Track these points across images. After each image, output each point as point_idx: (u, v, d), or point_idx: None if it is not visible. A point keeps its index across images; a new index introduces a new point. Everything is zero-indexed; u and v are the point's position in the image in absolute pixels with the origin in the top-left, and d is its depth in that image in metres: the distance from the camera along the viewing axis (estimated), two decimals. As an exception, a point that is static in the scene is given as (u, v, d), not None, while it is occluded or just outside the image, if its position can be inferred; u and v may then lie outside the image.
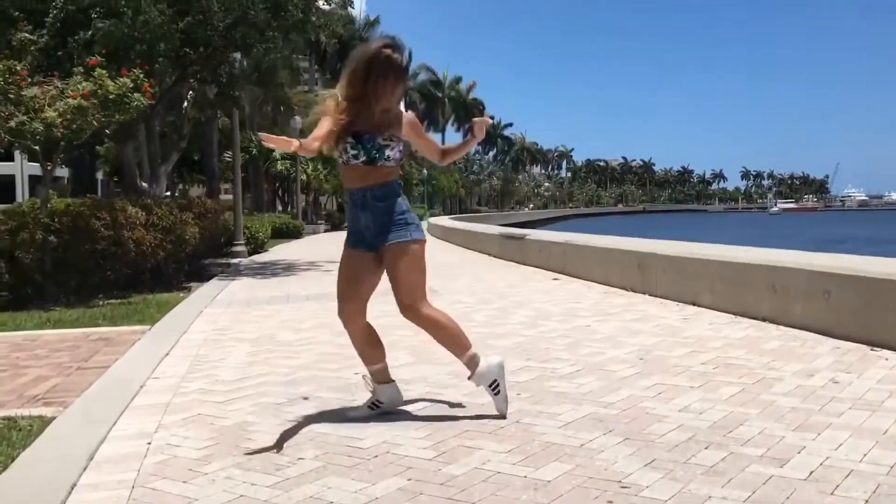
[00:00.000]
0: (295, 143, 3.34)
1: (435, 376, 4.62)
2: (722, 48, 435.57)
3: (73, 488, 2.92)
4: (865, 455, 2.99)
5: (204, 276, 12.54)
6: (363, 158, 3.58)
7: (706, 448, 3.14)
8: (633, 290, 8.50)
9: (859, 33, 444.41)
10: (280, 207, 50.40)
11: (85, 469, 3.14)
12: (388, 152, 3.60)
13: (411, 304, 3.68)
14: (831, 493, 2.62)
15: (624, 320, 6.57)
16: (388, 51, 3.55)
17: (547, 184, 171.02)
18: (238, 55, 13.22)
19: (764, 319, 6.19)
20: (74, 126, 8.77)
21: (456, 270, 12.53)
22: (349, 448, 3.29)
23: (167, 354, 5.69)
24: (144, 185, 13.68)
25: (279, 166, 37.73)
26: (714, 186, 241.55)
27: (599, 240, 10.17)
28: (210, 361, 5.38)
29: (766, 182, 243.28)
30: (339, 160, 3.67)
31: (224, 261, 15.83)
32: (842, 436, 3.24)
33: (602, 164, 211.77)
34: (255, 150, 36.53)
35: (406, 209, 3.68)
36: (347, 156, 3.60)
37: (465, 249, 18.17)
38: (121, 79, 8.77)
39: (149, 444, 3.46)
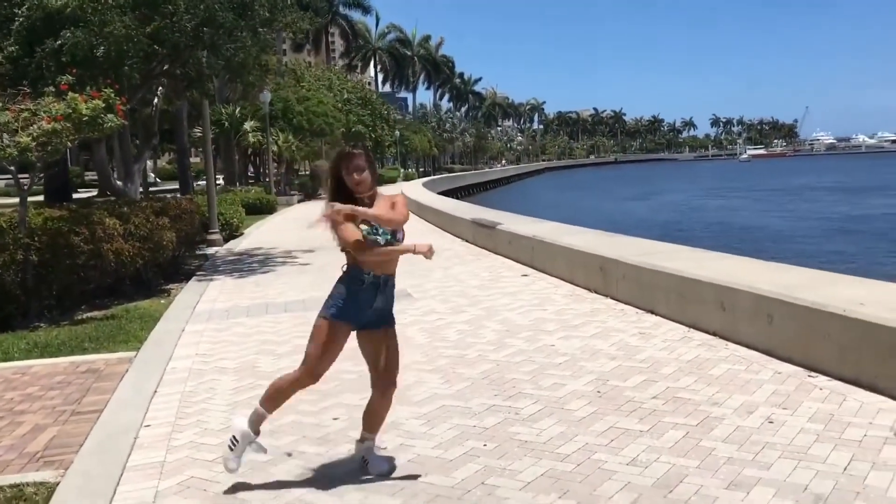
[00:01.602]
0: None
1: (408, 422, 5.00)
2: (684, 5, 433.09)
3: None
4: (784, 518, 3.42)
5: (182, 275, 12.79)
6: (388, 237, 3.96)
7: (647, 513, 3.55)
8: (596, 292, 8.91)
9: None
10: (252, 174, 50.34)
11: (94, 553, 3.49)
12: (399, 236, 4.01)
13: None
14: (749, 568, 3.04)
15: (585, 336, 6.98)
16: (348, 149, 4.04)
17: (519, 138, 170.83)
18: (205, 52, 13.27)
19: (714, 334, 6.63)
20: (49, 147, 8.93)
21: (430, 263, 12.84)
22: (332, 521, 3.67)
23: (155, 392, 6.03)
24: (119, 183, 13.81)
25: (251, 138, 37.56)
26: (684, 134, 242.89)
27: (566, 238, 10.53)
28: (197, 402, 5.72)
29: (735, 129, 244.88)
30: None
31: (200, 252, 16.03)
32: (767, 494, 3.67)
33: (573, 115, 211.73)
34: (226, 123, 36.36)
35: None
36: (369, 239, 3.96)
37: (440, 232, 18.48)
38: (93, 101, 8.90)
39: (149, 517, 3.82)
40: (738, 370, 5.68)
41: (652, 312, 7.68)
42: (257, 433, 4.16)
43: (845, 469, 3.90)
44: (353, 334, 4.27)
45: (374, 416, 4.27)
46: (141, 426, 5.23)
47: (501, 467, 4.18)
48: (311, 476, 4.22)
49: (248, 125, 37.61)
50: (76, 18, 11.14)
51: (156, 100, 15.36)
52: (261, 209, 29.15)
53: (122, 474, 4.40)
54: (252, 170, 51.88)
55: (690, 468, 4.02)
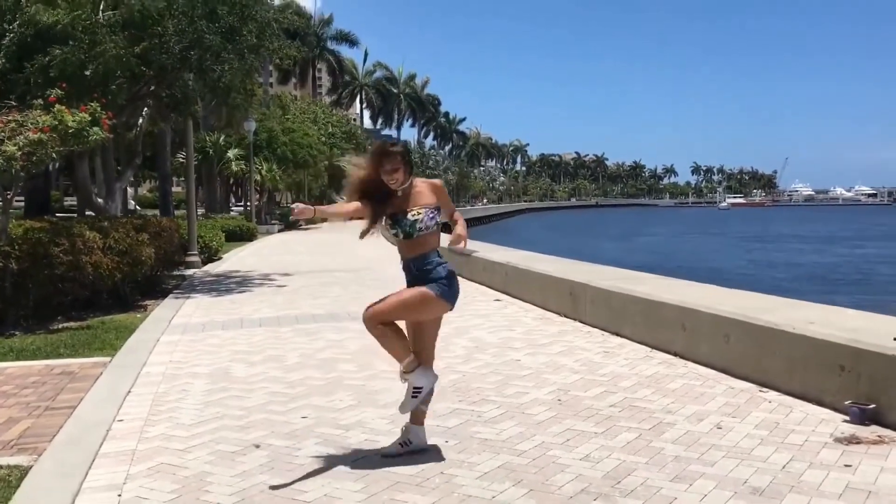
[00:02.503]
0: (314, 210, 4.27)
1: (373, 421, 5.16)
2: (675, 47, 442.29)
3: (56, 544, 3.42)
4: (722, 506, 3.63)
5: (159, 292, 12.91)
6: (402, 236, 4.32)
7: (595, 500, 3.75)
8: (566, 316, 9.14)
9: (805, 33, 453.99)
10: (233, 202, 50.43)
11: (65, 524, 3.63)
12: (419, 226, 4.29)
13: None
14: (684, 545, 3.25)
15: (551, 353, 7.20)
16: (386, 147, 4.32)
17: (502, 178, 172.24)
18: (192, 75, 13.54)
19: (675, 354, 6.87)
20: (34, 158, 9.11)
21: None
22: (294, 501, 3.83)
23: (129, 392, 6.17)
24: (100, 201, 13.95)
25: (234, 167, 37.79)
26: (665, 181, 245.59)
27: (539, 265, 10.80)
28: (169, 402, 5.86)
29: (716, 177, 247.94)
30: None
31: (178, 272, 16.14)
32: (708, 486, 3.88)
33: (556, 158, 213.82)
34: (210, 151, 36.59)
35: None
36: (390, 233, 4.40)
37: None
38: (79, 114, 9.11)
39: (119, 496, 3.97)
40: (694, 385, 5.92)
41: (618, 334, 7.92)
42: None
43: (784, 467, 4.13)
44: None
45: None
46: (114, 420, 5.36)
47: (461, 460, 4.36)
48: (276, 465, 4.37)
49: (231, 153, 37.86)
50: (67, 36, 11.39)
51: (140, 120, 15.57)
52: (241, 236, 29.31)
53: (93, 460, 4.53)
54: (234, 200, 52.05)
55: (639, 464, 4.23)
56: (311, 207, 4.30)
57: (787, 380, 5.56)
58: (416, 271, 4.38)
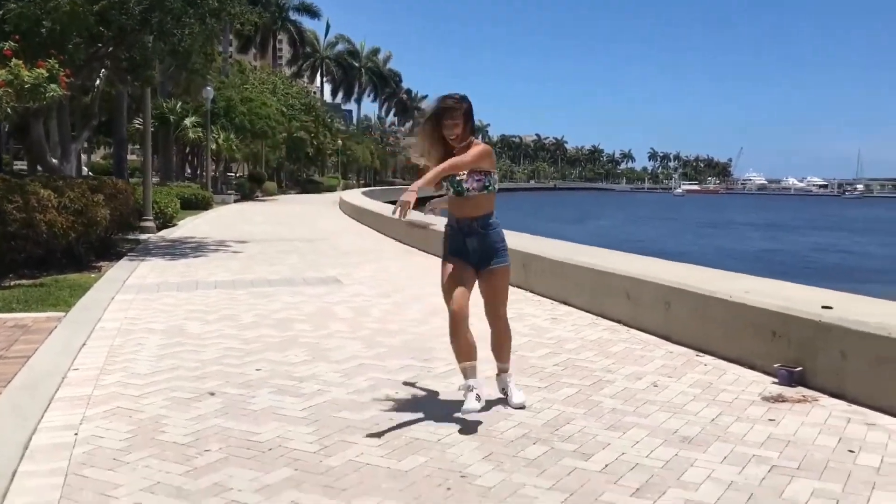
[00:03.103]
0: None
1: (327, 374, 5.32)
2: (636, 35, 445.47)
3: (13, 476, 3.53)
4: (652, 451, 3.88)
5: (113, 255, 12.85)
6: (452, 192, 4.41)
7: (534, 444, 3.98)
8: (518, 287, 9.35)
9: (765, 27, 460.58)
10: (189, 173, 49.75)
11: (22, 458, 3.74)
12: (465, 185, 4.36)
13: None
14: (615, 483, 3.48)
15: (502, 319, 7.40)
16: (447, 102, 4.37)
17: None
18: (152, 37, 13.40)
19: (620, 322, 7.14)
20: (-11, 113, 9.03)
21: (363, 258, 13.22)
22: (248, 442, 3.99)
23: (84, 345, 6.24)
24: (55, 161, 13.78)
25: (191, 134, 37.32)
26: (623, 166, 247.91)
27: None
28: (125, 353, 5.95)
29: (672, 163, 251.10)
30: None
31: (133, 237, 16.04)
32: (641, 434, 4.13)
33: (516, 140, 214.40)
34: (169, 118, 36.05)
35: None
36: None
37: (375, 233, 18.81)
38: (36, 70, 9.03)
39: (76, 434, 4.08)
40: (635, 349, 6.18)
41: (566, 303, 8.17)
42: (472, 379, 4.44)
43: (713, 420, 4.40)
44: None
45: (495, 348, 4.70)
46: (69, 370, 5.44)
47: (410, 408, 4.56)
48: (230, 411, 4.51)
49: (188, 121, 37.37)
50: (22, -10, 11.21)
51: (98, 82, 15.36)
52: (196, 205, 29.07)
53: (49, 404, 4.62)
54: (189, 170, 51.29)
55: (578, 414, 4.47)
56: (413, 190, 4.16)
57: (723, 345, 5.86)
58: (481, 231, 4.40)
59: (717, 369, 5.54)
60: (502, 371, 4.73)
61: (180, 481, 3.47)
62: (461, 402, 4.64)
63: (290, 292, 9.12)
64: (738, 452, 3.88)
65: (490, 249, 4.46)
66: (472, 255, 4.44)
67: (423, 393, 4.90)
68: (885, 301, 5.65)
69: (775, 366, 5.23)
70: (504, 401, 4.71)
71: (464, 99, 4.39)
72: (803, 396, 4.86)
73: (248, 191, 44.32)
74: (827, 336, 4.95)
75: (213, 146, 37.82)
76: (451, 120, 4.32)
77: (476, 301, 4.57)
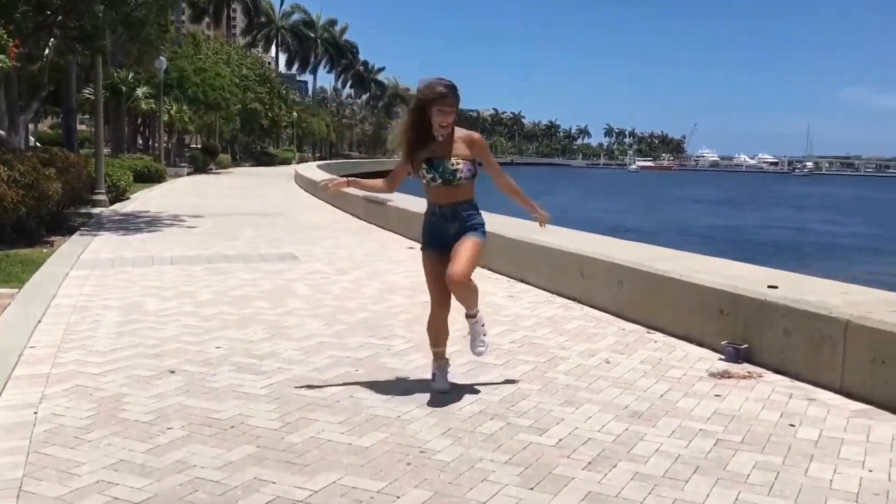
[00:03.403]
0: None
1: (287, 352, 5.38)
2: (591, 11, 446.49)
3: (-25, 454, 3.54)
4: (604, 426, 4.03)
5: (66, 229, 12.65)
6: (439, 181, 4.29)
7: (491, 419, 4.10)
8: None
9: (718, 6, 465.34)
10: (141, 144, 48.79)
11: (-18, 437, 3.74)
12: (459, 175, 4.29)
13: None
14: (568, 457, 3.62)
15: (459, 296, 7.52)
16: (441, 88, 4.22)
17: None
18: (102, 7, 13.12)
19: (574, 299, 7.30)
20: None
21: (320, 233, 13.21)
22: (210, 419, 4.04)
23: (40, 322, 6.19)
24: (2, 133, 13.46)
25: (143, 105, 36.57)
26: (579, 142, 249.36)
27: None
28: (82, 331, 5.93)
29: (627, 140, 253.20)
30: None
31: (86, 210, 15.78)
32: (593, 410, 4.28)
33: (474, 114, 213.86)
34: (121, 88, 35.25)
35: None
36: (426, 179, 4.34)
37: (332, 209, 18.75)
38: (-15, 40, 8.81)
39: (36, 413, 4.09)
40: (589, 326, 6.35)
41: (523, 281, 8.31)
42: (443, 361, 4.59)
43: (662, 396, 4.57)
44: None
45: (460, 301, 4.49)
46: (25, 347, 5.41)
47: (369, 385, 4.64)
48: (191, 389, 4.55)
49: (140, 91, 36.59)
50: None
51: (46, 51, 14.99)
52: (149, 178, 28.61)
53: (7, 382, 4.61)
54: (140, 141, 50.31)
55: (533, 391, 4.61)
56: (345, 180, 4.33)
57: (673, 322, 6.05)
58: (463, 215, 4.36)
59: (667, 346, 5.73)
60: (470, 315, 4.58)
61: (143, 459, 3.51)
62: (420, 380, 4.78)
63: (248, 269, 9.11)
64: (685, 427, 4.05)
65: (470, 229, 4.42)
66: (453, 238, 4.37)
67: (383, 370, 4.99)
68: (827, 280, 5.88)
69: (722, 343, 5.42)
70: (461, 377, 4.81)
71: (454, 85, 4.28)
72: (748, 373, 5.06)
73: (202, 163, 43.72)
74: (772, 314, 5.15)
75: (166, 118, 37.16)
76: (449, 107, 4.20)
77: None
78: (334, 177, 4.35)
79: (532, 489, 3.27)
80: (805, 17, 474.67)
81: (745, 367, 5.17)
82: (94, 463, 3.46)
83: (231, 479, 3.32)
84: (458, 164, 4.27)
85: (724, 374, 5.01)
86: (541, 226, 4.93)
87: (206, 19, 73.86)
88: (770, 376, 4.99)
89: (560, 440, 3.82)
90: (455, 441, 3.79)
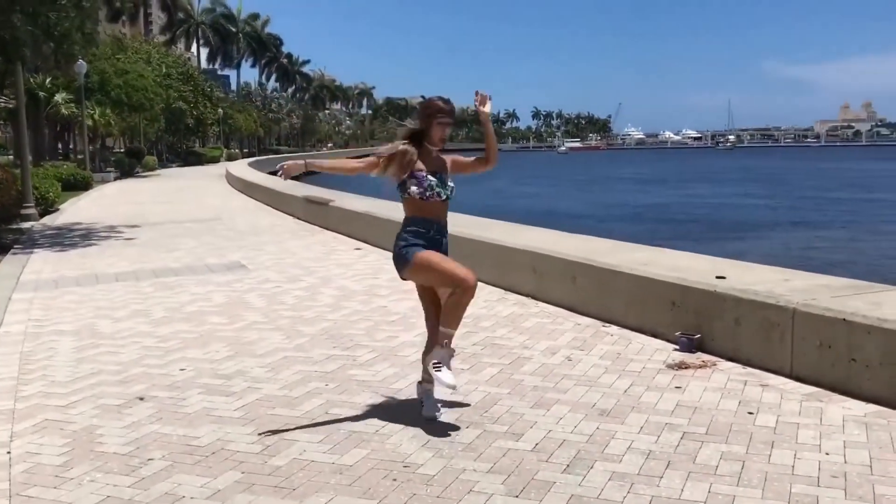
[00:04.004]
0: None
1: (253, 370, 5.40)
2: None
3: (-45, 502, 3.50)
4: (576, 427, 4.19)
5: (-3, 248, 12.29)
6: (444, 197, 4.31)
7: (467, 427, 4.22)
8: (424, 263, 9.58)
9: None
10: (61, 149, 47.28)
11: (-41, 483, 3.69)
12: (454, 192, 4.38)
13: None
14: (546, 461, 3.77)
15: (415, 299, 7.60)
16: (441, 104, 4.31)
17: (348, 121, 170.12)
18: (21, 17, 12.71)
19: (528, 295, 7.47)
20: None
21: (263, 238, 13.11)
22: (189, 447, 4.06)
23: (-9, 353, 6.05)
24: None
25: (63, 110, 35.45)
26: (508, 126, 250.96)
27: (398, 214, 11.14)
28: (38, 360, 5.83)
29: (555, 122, 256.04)
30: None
31: (16, 226, 15.30)
32: (563, 410, 4.44)
33: (402, 102, 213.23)
34: (39, 94, 34.08)
35: None
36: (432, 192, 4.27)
37: (269, 209, 18.59)
38: None
39: (9, 453, 4.04)
40: (546, 323, 6.52)
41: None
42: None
43: (625, 391, 4.76)
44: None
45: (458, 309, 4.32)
46: (-18, 382, 5.30)
47: (343, 401, 4.71)
48: (164, 416, 4.55)
49: (59, 97, 35.46)
50: None
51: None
52: (75, 185, 27.86)
53: (-29, 421, 4.53)
54: (61, 147, 48.78)
55: (503, 394, 4.74)
56: (301, 162, 4.28)
57: (627, 315, 6.26)
58: (439, 235, 4.35)
59: (624, 339, 5.94)
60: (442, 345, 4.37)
61: (130, 493, 3.52)
62: (391, 390, 4.86)
63: (197, 281, 9.03)
64: (652, 422, 4.24)
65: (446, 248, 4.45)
66: (444, 251, 4.38)
67: (353, 383, 5.06)
68: (772, 268, 6.18)
69: (676, 334, 5.65)
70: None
71: (451, 101, 4.39)
72: (703, 362, 5.29)
73: (128, 167, 42.65)
74: (722, 305, 5.39)
75: (90, 122, 36.11)
76: (449, 120, 4.32)
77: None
78: (294, 162, 4.29)
79: (518, 497, 3.40)
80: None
81: (700, 357, 5.40)
82: (81, 501, 3.46)
83: (223, 508, 3.37)
84: (451, 182, 4.39)
85: (681, 365, 5.24)
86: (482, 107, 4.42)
87: (123, 17, 71.80)
88: (724, 364, 5.23)
89: (536, 444, 3.97)
90: (436, 453, 3.89)
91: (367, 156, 4.44)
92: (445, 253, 4.38)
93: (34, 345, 6.30)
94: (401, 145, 4.31)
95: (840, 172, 71.78)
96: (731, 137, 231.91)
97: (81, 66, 30.05)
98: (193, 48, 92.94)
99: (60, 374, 5.45)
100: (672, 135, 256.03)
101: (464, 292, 4.20)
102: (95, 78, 36.04)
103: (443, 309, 4.30)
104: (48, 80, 35.15)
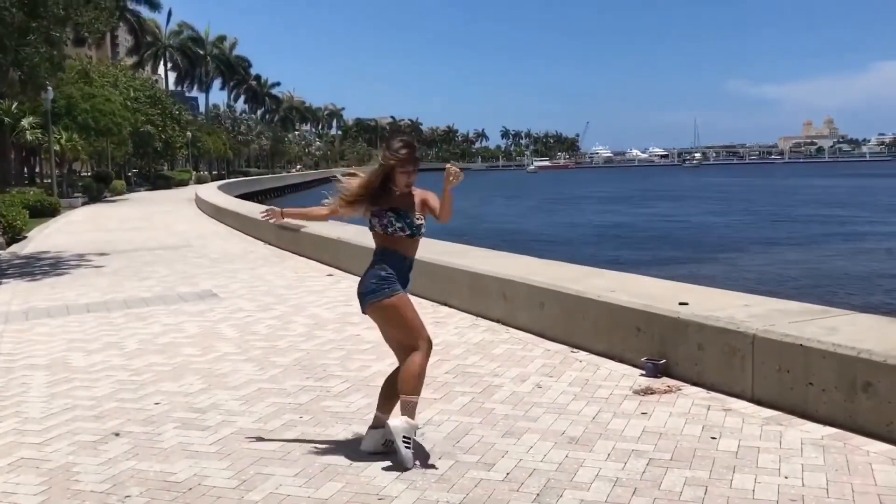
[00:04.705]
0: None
1: (227, 403, 5.46)
2: (480, 16, 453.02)
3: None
4: (545, 455, 4.31)
5: (-35, 279, 12.18)
6: (408, 232, 4.37)
7: (440, 458, 4.32)
8: (396, 289, 9.69)
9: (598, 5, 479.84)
10: (27, 174, 46.79)
11: (-64, 525, 3.72)
12: (423, 228, 4.44)
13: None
14: (517, 490, 3.88)
15: (387, 327, 7.71)
16: (403, 152, 4.33)
17: (318, 143, 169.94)
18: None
19: (498, 321, 7.60)
20: None
21: (235, 265, 13.13)
22: (166, 483, 4.11)
23: (-38, 389, 6.04)
24: None
25: (29, 136, 35.13)
26: (477, 145, 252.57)
27: (370, 240, 11.25)
28: (11, 396, 5.83)
29: (523, 141, 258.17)
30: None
31: (-18, 255, 15.19)
32: (533, 439, 4.56)
33: (372, 123, 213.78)
34: (4, 119, 33.78)
35: None
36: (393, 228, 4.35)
37: (240, 235, 18.59)
38: None
39: (-15, 493, 4.07)
40: (516, 349, 6.65)
41: (446, 305, 8.56)
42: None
43: (594, 418, 4.89)
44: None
45: (393, 397, 4.44)
46: (-46, 419, 5.30)
47: (318, 433, 4.79)
48: (140, 451, 4.60)
49: (26, 122, 35.16)
50: None
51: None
52: (42, 212, 27.62)
53: (-54, 461, 4.54)
54: (27, 170, 48.29)
55: (475, 424, 4.85)
56: (279, 210, 4.41)
57: (594, 341, 6.41)
58: (408, 271, 4.51)
59: (592, 365, 6.08)
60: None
61: (108, 533, 3.58)
62: (366, 421, 4.93)
63: (168, 311, 9.05)
64: (619, 449, 4.37)
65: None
66: (405, 288, 4.52)
67: (327, 415, 5.14)
68: (733, 293, 6.38)
69: (642, 359, 5.81)
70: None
71: (415, 146, 4.47)
72: (668, 387, 5.45)
73: (96, 192, 42.29)
74: (685, 331, 5.56)
75: (56, 147, 35.82)
76: (412, 168, 4.35)
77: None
78: (271, 207, 4.51)
79: (489, 526, 3.51)
80: (684, 10, 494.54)
81: (665, 382, 5.56)
82: (59, 542, 3.50)
83: (201, 545, 3.43)
84: (421, 219, 4.43)
85: (647, 391, 5.39)
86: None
87: (88, 40, 71.32)
88: (688, 388, 5.39)
89: (507, 474, 4.08)
90: (409, 485, 3.99)
91: (336, 178, 4.54)
92: (408, 286, 4.52)
93: (6, 380, 6.30)
94: (354, 189, 4.39)
95: (801, 190, 73.20)
96: (697, 155, 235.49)
97: (48, 92, 29.87)
98: (161, 70, 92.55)
99: (34, 410, 5.47)
100: (639, 153, 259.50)
101: (425, 353, 4.35)
102: (62, 103, 35.84)
103: (403, 374, 4.34)
104: (14, 106, 34.86)
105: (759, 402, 5.03)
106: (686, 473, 4.01)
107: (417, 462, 4.25)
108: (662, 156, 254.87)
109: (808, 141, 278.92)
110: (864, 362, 4.46)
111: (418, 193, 4.47)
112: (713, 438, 4.49)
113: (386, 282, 4.39)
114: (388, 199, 4.39)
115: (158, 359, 6.82)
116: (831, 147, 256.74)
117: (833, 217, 42.10)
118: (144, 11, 73.88)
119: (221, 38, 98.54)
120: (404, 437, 4.19)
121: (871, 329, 4.96)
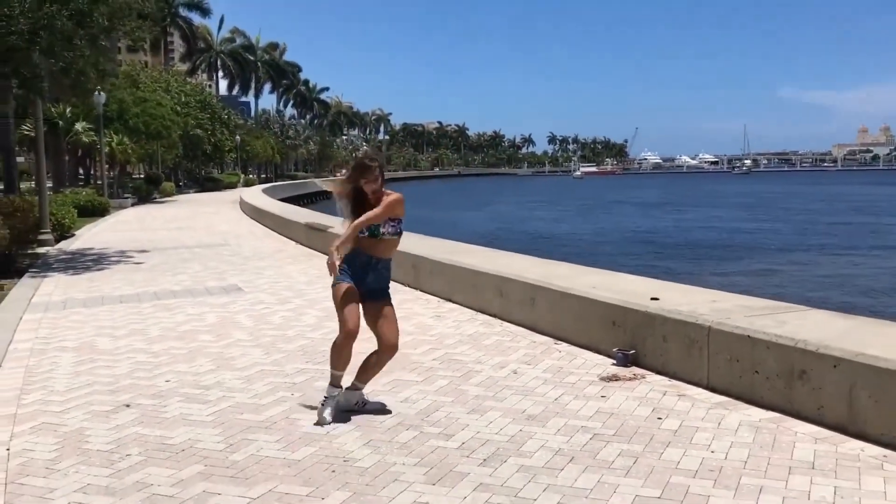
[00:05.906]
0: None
1: (230, 382, 6.02)
2: (534, 22, 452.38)
3: (-41, 488, 4.12)
4: (502, 429, 4.77)
5: (14, 272, 13.01)
6: (367, 233, 4.97)
7: (407, 430, 4.81)
8: (409, 286, 10.20)
9: (658, 12, 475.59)
10: (82, 175, 48.52)
11: (-37, 473, 4.32)
12: (381, 229, 4.99)
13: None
14: (468, 456, 4.34)
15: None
16: (366, 162, 4.99)
17: (365, 147, 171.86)
18: (40, 55, 13.54)
19: (495, 316, 8.06)
20: None
21: (264, 262, 13.79)
22: (163, 445, 4.67)
23: (0, 366, 6.71)
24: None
25: (84, 139, 36.57)
26: (524, 150, 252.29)
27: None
28: (41, 373, 6.47)
29: (571, 146, 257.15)
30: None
31: (32, 251, 16.09)
32: (496, 415, 5.02)
33: (419, 128, 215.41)
34: (59, 123, 35.21)
35: None
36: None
37: (276, 235, 19.30)
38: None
39: (8, 450, 4.67)
40: (505, 341, 7.10)
41: (450, 300, 9.04)
42: (339, 387, 5.07)
43: (555, 399, 5.32)
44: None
45: (367, 370, 5.18)
46: (-10, 392, 5.94)
47: (304, 408, 5.31)
48: (145, 420, 5.17)
49: (80, 125, 36.61)
50: None
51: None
52: (92, 212, 28.73)
53: (-22, 424, 5.17)
54: (82, 171, 50.11)
55: (446, 402, 5.33)
56: (335, 259, 4.89)
57: (576, 333, 6.84)
58: (382, 269, 5.08)
59: (570, 355, 6.51)
60: (358, 388, 5.21)
61: (107, 482, 4.14)
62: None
63: (194, 303, 9.68)
64: (570, 425, 4.81)
65: (380, 289, 5.10)
66: (365, 286, 5.03)
67: (316, 393, 5.65)
68: (706, 290, 6.76)
69: (614, 350, 6.22)
70: (385, 395, 5.50)
71: (377, 158, 5.07)
72: (634, 375, 5.85)
73: (146, 193, 43.69)
74: (652, 324, 5.96)
75: (108, 150, 37.19)
76: (371, 180, 4.93)
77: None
78: (332, 260, 4.95)
79: (434, 485, 3.99)
80: (740, 19, 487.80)
81: (633, 370, 5.97)
82: (65, 488, 4.07)
83: (183, 493, 3.97)
84: (385, 226, 4.99)
85: (613, 378, 5.80)
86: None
87: (144, 46, 73.47)
88: (652, 377, 5.79)
89: (463, 443, 4.55)
90: (374, 450, 4.48)
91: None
92: (369, 292, 5.04)
93: (39, 359, 6.95)
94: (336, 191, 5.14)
95: (848, 196, 71.89)
96: (748, 162, 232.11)
97: (100, 97, 31.11)
98: (214, 76, 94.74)
99: (59, 385, 6.09)
100: (688, 159, 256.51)
101: (343, 338, 5.01)
102: (114, 107, 37.17)
103: (365, 364, 5.19)
104: (68, 110, 36.32)
105: (713, 390, 5.41)
106: (623, 447, 4.43)
107: (331, 421, 4.94)
108: (712, 162, 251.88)
109: (864, 148, 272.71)
110: (800, 352, 4.83)
111: (388, 199, 4.98)
112: (659, 419, 4.89)
113: (341, 272, 4.99)
114: (365, 204, 4.99)
115: (177, 344, 7.42)
116: (887, 154, 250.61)
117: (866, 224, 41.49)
118: (196, 18, 75.92)
119: (273, 46, 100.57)
120: (325, 396, 5.03)
121: (817, 323, 5.31)
